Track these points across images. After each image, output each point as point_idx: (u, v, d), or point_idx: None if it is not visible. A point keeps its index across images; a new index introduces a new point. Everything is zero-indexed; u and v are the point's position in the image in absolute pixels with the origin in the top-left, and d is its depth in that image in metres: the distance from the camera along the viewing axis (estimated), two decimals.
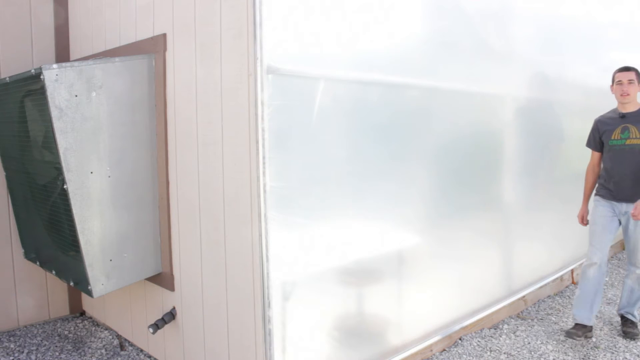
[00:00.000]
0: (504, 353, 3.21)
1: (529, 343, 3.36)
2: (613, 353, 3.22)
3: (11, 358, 3.15)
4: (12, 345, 3.31)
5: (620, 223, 3.41)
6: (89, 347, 3.30)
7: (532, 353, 3.21)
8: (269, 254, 2.23)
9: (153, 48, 2.74)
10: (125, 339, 3.38)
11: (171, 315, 2.85)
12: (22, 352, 3.23)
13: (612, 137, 3.35)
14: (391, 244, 2.86)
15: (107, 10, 3.15)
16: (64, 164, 2.43)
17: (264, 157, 2.18)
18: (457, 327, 3.35)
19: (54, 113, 2.38)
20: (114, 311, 3.47)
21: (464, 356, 3.16)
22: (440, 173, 3.12)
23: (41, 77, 2.35)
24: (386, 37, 2.67)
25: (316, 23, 2.34)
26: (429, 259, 3.11)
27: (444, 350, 3.24)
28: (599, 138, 3.46)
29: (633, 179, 3.28)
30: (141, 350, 3.23)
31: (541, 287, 4.13)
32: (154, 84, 2.76)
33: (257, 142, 2.17)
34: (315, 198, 2.45)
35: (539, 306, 4.02)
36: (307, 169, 2.39)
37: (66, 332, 3.53)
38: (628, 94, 3.28)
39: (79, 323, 3.70)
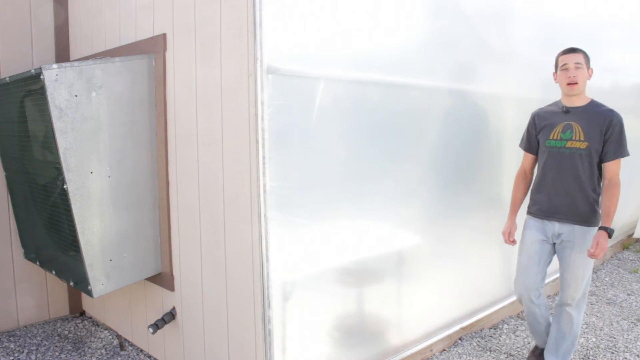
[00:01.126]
0: (504, 353, 3.21)
1: (529, 343, 3.36)
2: (613, 353, 3.22)
3: (11, 358, 3.15)
4: (12, 345, 3.31)
5: (554, 249, 2.74)
6: (89, 347, 3.30)
7: None
8: (269, 254, 2.23)
9: (153, 48, 2.74)
10: (125, 339, 3.38)
11: (171, 315, 2.85)
12: (22, 352, 3.23)
13: (550, 137, 2.67)
14: (391, 243, 2.86)
15: (107, 10, 3.15)
16: (64, 164, 2.43)
17: (264, 157, 2.18)
18: (457, 327, 3.35)
19: (54, 113, 2.38)
20: (114, 311, 3.47)
21: (464, 356, 3.17)
22: (440, 173, 3.12)
23: (41, 77, 2.35)
24: (386, 37, 2.67)
25: (316, 23, 2.34)
26: (429, 259, 3.11)
27: (444, 350, 3.24)
28: (535, 136, 2.80)
29: (570, 193, 2.62)
30: (141, 350, 3.23)
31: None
32: (154, 84, 2.76)
33: (257, 142, 2.17)
34: (315, 198, 2.45)
35: None
36: (307, 169, 2.39)
37: (66, 332, 3.53)
38: (576, 83, 2.57)
39: (79, 323, 3.70)
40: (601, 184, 2.65)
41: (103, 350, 3.26)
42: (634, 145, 6.40)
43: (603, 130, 2.54)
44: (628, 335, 3.49)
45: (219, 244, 2.48)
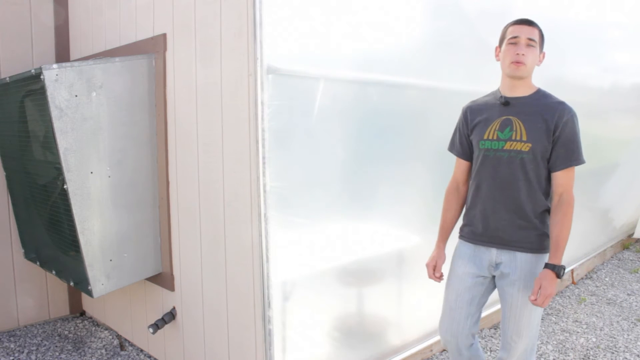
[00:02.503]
0: None
1: None
2: (613, 353, 3.21)
3: (11, 358, 3.15)
4: (12, 345, 3.31)
5: (494, 282, 2.11)
6: (89, 347, 3.30)
7: None
8: (269, 254, 2.23)
9: (153, 48, 2.74)
10: (125, 339, 3.38)
11: (171, 315, 2.85)
12: (22, 352, 3.23)
13: (485, 136, 2.02)
14: (391, 243, 2.86)
15: (107, 10, 3.15)
16: (64, 164, 2.43)
17: (264, 157, 2.18)
18: None
19: (54, 113, 2.38)
20: (114, 311, 3.47)
21: None
22: (440, 172, 3.11)
23: (41, 77, 2.35)
24: (386, 37, 2.67)
25: (316, 23, 2.34)
26: None
27: (444, 350, 3.24)
28: (467, 136, 2.13)
29: (511, 209, 1.99)
30: (141, 350, 3.23)
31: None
32: (154, 84, 2.76)
33: (257, 142, 2.17)
34: (315, 198, 2.45)
35: None
36: (307, 169, 2.39)
37: (66, 332, 3.53)
38: (523, 63, 1.95)
39: (79, 323, 3.70)
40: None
41: (103, 350, 3.26)
42: (634, 146, 6.42)
43: (551, 127, 1.92)
44: (628, 335, 3.49)
45: (219, 243, 2.48)
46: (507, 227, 2.00)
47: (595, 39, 4.76)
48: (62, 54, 3.58)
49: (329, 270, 2.53)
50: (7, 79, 2.77)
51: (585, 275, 4.82)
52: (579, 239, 4.85)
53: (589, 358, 3.16)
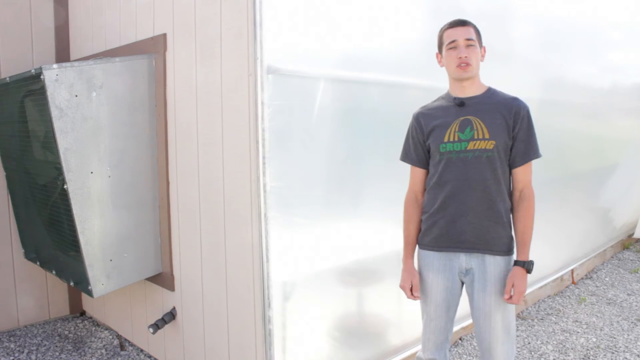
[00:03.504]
0: None
1: (529, 343, 3.36)
2: (613, 353, 3.21)
3: (11, 358, 3.15)
4: (12, 345, 3.31)
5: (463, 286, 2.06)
6: (89, 347, 3.30)
7: (532, 353, 3.21)
8: (269, 254, 2.23)
9: (153, 48, 2.74)
10: (125, 339, 3.38)
11: (171, 315, 2.85)
12: (22, 352, 3.23)
13: (446, 139, 1.97)
14: (391, 243, 2.86)
15: (107, 10, 3.15)
16: (64, 164, 2.43)
17: (264, 157, 2.18)
18: (457, 327, 3.35)
19: (54, 113, 2.38)
20: (114, 311, 3.47)
21: (464, 356, 3.16)
22: None
23: (41, 77, 2.35)
24: (386, 37, 2.67)
25: (316, 23, 2.34)
26: None
27: None
28: (422, 143, 2.08)
29: (478, 211, 1.94)
30: (141, 350, 3.23)
31: (541, 287, 4.13)
32: (154, 84, 2.76)
33: (257, 142, 2.17)
34: (315, 198, 2.45)
35: (539, 306, 4.02)
36: (307, 169, 2.39)
37: (66, 332, 3.53)
38: (468, 64, 1.93)
39: (79, 323, 3.70)
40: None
41: (103, 350, 3.26)
42: (634, 146, 6.41)
43: (510, 123, 1.93)
44: (628, 335, 3.49)
45: (219, 243, 2.48)
46: (476, 230, 1.95)
47: (595, 39, 4.76)
48: (62, 54, 3.59)
49: (329, 270, 2.53)
50: (7, 79, 2.77)
51: (585, 275, 4.82)
52: (579, 238, 4.85)
53: (589, 358, 3.16)
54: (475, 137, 1.93)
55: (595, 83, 4.72)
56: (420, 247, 2.12)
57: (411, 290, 2.06)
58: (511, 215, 2.01)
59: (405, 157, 2.17)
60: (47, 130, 2.49)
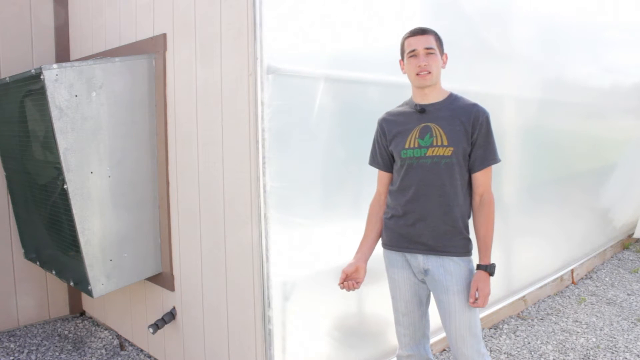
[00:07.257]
0: (504, 353, 3.21)
1: (529, 343, 3.36)
2: (613, 353, 3.22)
3: (11, 358, 3.15)
4: (12, 345, 3.31)
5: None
6: (89, 347, 3.30)
7: (532, 353, 3.21)
8: (269, 254, 2.23)
9: (153, 48, 2.74)
10: (125, 339, 3.38)
11: (171, 315, 2.85)
12: (22, 352, 3.23)
13: (406, 145, 2.03)
14: None
15: (107, 10, 3.15)
16: (64, 164, 2.43)
17: (264, 157, 2.18)
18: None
19: (54, 113, 2.38)
20: (114, 311, 3.47)
21: None
22: None
23: (41, 77, 2.35)
24: (387, 37, 2.67)
25: (316, 23, 2.34)
26: None
27: (444, 350, 3.24)
28: (386, 148, 2.13)
29: (435, 214, 2.00)
30: (141, 350, 3.23)
31: (541, 287, 4.13)
32: (154, 84, 2.76)
33: (257, 142, 2.17)
34: (315, 198, 2.45)
35: (539, 306, 4.02)
36: (307, 169, 2.39)
37: (66, 332, 3.53)
38: (429, 72, 1.97)
39: (79, 323, 3.70)
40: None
41: (103, 350, 3.26)
42: (634, 146, 6.40)
43: (469, 129, 1.98)
44: (628, 335, 3.49)
45: (219, 243, 2.48)
46: (433, 233, 2.01)
47: (595, 39, 4.76)
48: (62, 54, 3.59)
49: (329, 270, 2.53)
50: (7, 79, 2.77)
51: (585, 275, 4.82)
52: (579, 238, 4.85)
53: (589, 358, 3.16)
54: (434, 143, 1.99)
55: (595, 83, 4.72)
56: (383, 247, 2.18)
57: (345, 279, 2.10)
58: (469, 220, 2.07)
59: (373, 161, 2.24)
60: (47, 130, 2.49)
